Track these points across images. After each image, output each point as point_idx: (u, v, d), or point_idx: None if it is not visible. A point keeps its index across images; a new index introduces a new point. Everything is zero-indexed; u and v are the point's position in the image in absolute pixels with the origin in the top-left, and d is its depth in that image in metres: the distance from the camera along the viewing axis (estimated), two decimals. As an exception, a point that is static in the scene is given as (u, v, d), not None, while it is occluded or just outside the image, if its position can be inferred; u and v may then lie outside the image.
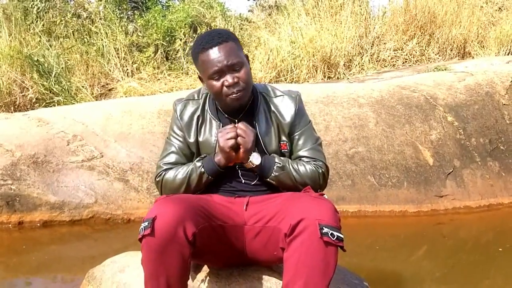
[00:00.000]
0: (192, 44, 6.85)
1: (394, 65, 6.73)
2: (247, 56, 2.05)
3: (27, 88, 5.99)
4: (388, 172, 3.91)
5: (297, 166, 2.03)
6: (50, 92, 5.98)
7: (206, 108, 2.10)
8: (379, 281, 2.81)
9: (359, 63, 6.50)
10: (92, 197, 3.60)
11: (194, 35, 7.10)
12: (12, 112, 5.79)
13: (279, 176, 2.01)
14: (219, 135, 1.97)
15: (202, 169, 2.01)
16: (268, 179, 2.02)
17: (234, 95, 1.95)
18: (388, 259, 3.28)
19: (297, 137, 2.09)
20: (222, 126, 2.04)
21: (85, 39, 6.96)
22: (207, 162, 2.02)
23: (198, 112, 2.10)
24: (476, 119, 4.24)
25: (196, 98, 2.13)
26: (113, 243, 3.48)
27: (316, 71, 6.32)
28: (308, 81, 6.22)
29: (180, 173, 2.04)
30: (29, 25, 6.91)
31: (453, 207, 3.89)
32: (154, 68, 6.80)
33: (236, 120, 2.05)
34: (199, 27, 7.21)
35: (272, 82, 6.18)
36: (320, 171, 2.05)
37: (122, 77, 6.64)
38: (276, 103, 2.09)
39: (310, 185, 2.01)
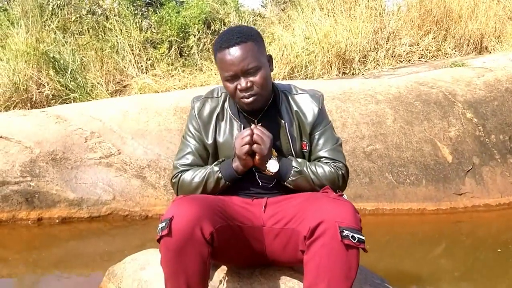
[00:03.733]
0: (207, 40, 6.95)
1: (409, 60, 6.68)
2: (270, 57, 2.00)
3: (43, 85, 6.02)
4: (406, 170, 3.88)
5: (316, 168, 1.98)
6: (66, 89, 6.01)
7: (225, 107, 2.06)
8: (397, 279, 2.77)
9: (374, 59, 6.45)
10: (110, 194, 3.61)
11: (208, 31, 7.10)
12: (29, 109, 5.84)
13: (296, 180, 1.96)
14: (235, 141, 1.93)
15: (220, 174, 1.96)
16: (285, 183, 1.98)
17: (246, 100, 1.91)
18: (405, 257, 3.26)
19: (317, 137, 2.03)
20: (244, 127, 2.00)
21: (100, 36, 6.97)
22: (225, 167, 1.97)
23: (218, 111, 2.05)
24: (496, 116, 4.19)
25: (215, 96, 2.09)
26: (131, 239, 3.48)
27: (331, 66, 6.28)
28: (322, 77, 6.18)
29: (197, 176, 1.99)
30: (44, 21, 6.93)
31: (473, 205, 3.84)
32: (168, 64, 6.81)
33: (256, 121, 2.01)
34: (213, 23, 7.19)
35: (286, 78, 6.17)
36: (340, 172, 2.00)
37: (136, 74, 6.66)
38: (298, 101, 2.04)
39: (328, 186, 1.97)
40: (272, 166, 1.94)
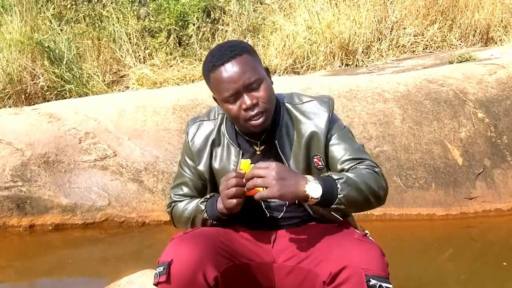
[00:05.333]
0: (207, 29, 6.76)
1: (414, 51, 6.52)
2: (267, 69, 1.78)
3: (38, 76, 5.85)
4: (415, 173, 3.72)
5: (353, 174, 1.65)
6: (62, 80, 5.83)
7: (222, 130, 1.85)
8: (404, 285, 2.69)
9: (378, 50, 6.29)
10: (106, 199, 3.46)
11: (207, 20, 6.89)
12: (23, 101, 5.69)
13: (347, 194, 1.59)
14: (220, 186, 1.68)
15: (206, 215, 1.77)
16: (334, 206, 1.59)
17: (254, 121, 1.69)
18: (413, 262, 3.15)
19: (335, 145, 1.76)
20: (243, 154, 1.80)
21: (97, 24, 6.78)
22: (210, 208, 1.76)
23: (213, 135, 1.85)
24: (508, 115, 4.02)
25: (212, 118, 1.88)
26: (128, 247, 3.35)
27: (334, 58, 6.12)
28: (325, 68, 6.03)
29: (187, 211, 1.82)
30: (39, 8, 6.73)
31: (483, 210, 3.69)
32: (166, 54, 6.62)
33: (258, 143, 1.81)
34: (213, 11, 6.99)
35: (288, 70, 6.02)
36: (376, 170, 1.70)
37: (134, 64, 6.47)
38: (303, 110, 1.80)
39: (376, 191, 1.66)
40: (314, 189, 1.56)
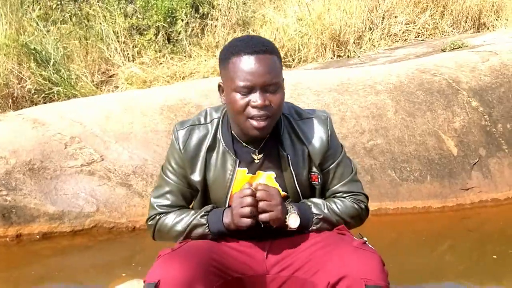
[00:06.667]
0: (196, 24, 6.67)
1: (406, 39, 6.46)
2: (283, 80, 1.72)
3: (25, 79, 5.75)
4: (409, 165, 3.66)
5: (337, 207, 1.76)
6: (49, 82, 5.74)
7: (218, 136, 1.75)
8: (401, 279, 2.61)
9: (369, 39, 6.22)
10: (94, 205, 3.38)
11: (196, 15, 6.80)
12: (10, 105, 5.59)
13: (320, 227, 1.73)
14: (234, 199, 1.64)
15: (207, 230, 1.68)
16: (305, 231, 1.74)
17: (257, 121, 1.61)
18: (411, 255, 3.12)
19: (332, 170, 1.78)
20: (240, 163, 1.71)
21: (84, 23, 6.68)
22: (214, 221, 1.68)
23: (208, 141, 1.74)
24: (502, 103, 3.96)
25: (203, 122, 1.77)
26: (118, 253, 3.28)
27: (325, 49, 6.06)
28: (317, 61, 5.96)
29: (180, 224, 1.71)
30: (25, 10, 6.62)
31: (480, 200, 3.65)
32: (155, 51, 6.52)
33: (257, 151, 1.72)
34: (201, 6, 6.88)
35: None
36: (362, 206, 1.81)
37: (123, 62, 6.38)
38: (303, 128, 1.76)
39: (352, 224, 1.77)
40: (293, 221, 1.68)
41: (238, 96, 1.61)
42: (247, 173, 1.73)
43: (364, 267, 1.47)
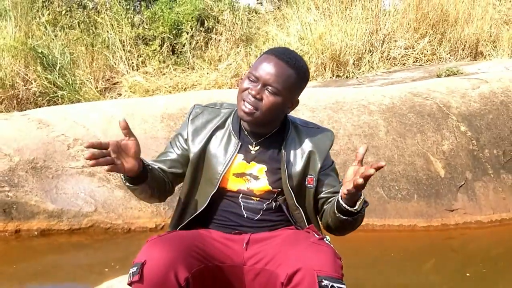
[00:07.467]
0: (200, 37, 6.80)
1: (404, 64, 6.59)
2: (297, 102, 1.90)
3: (31, 82, 5.88)
4: (398, 184, 3.79)
5: None
6: (54, 86, 5.87)
7: (228, 121, 1.94)
8: None
9: (368, 61, 6.36)
10: (92, 205, 3.50)
11: (201, 29, 6.95)
12: (14, 106, 5.72)
13: (360, 215, 1.76)
14: None
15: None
16: (352, 218, 1.74)
17: (244, 105, 1.81)
18: (395, 272, 3.20)
19: (327, 175, 1.90)
20: (241, 147, 1.89)
21: (91, 30, 6.82)
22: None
23: (216, 122, 1.94)
24: (490, 130, 4.10)
25: (218, 107, 1.99)
26: (113, 253, 3.38)
27: (325, 69, 6.19)
28: (316, 79, 6.09)
29: None
30: (34, 14, 6.77)
31: (464, 222, 3.75)
32: (159, 62, 6.67)
33: (254, 143, 1.90)
34: (207, 20, 7.05)
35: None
36: None
37: (127, 71, 6.51)
38: (310, 134, 1.93)
39: (347, 232, 1.86)
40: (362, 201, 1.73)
41: (246, 80, 1.84)
42: (243, 159, 1.90)
43: (317, 260, 1.58)
